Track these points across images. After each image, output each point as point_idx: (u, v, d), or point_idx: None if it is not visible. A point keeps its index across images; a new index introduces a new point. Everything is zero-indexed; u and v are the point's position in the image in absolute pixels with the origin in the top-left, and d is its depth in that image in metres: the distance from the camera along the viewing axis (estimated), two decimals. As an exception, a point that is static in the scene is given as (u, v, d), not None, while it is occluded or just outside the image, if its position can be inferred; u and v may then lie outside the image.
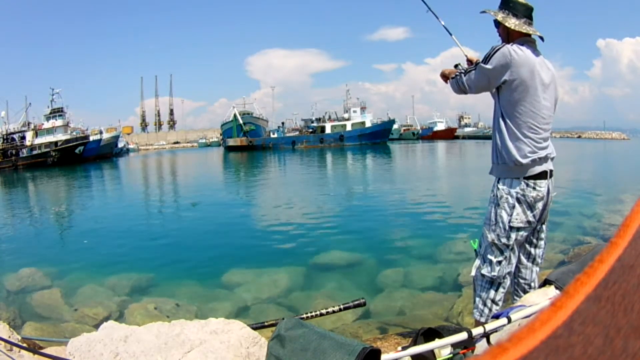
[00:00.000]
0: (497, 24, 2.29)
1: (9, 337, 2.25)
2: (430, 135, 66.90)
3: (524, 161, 2.16)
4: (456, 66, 2.53)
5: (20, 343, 2.26)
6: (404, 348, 1.83)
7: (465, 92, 2.36)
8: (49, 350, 2.22)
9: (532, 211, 2.21)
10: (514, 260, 2.31)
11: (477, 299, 2.36)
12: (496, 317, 1.85)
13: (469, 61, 2.58)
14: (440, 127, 70.95)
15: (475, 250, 2.57)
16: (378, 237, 6.77)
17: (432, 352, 1.73)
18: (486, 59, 2.18)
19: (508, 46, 2.14)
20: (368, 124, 56.44)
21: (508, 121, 2.20)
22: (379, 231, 7.22)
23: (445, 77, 2.50)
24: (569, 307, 0.25)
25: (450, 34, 2.83)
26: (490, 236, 2.27)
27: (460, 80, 2.33)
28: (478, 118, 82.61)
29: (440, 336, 1.90)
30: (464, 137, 64.65)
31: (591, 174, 15.68)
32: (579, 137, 65.40)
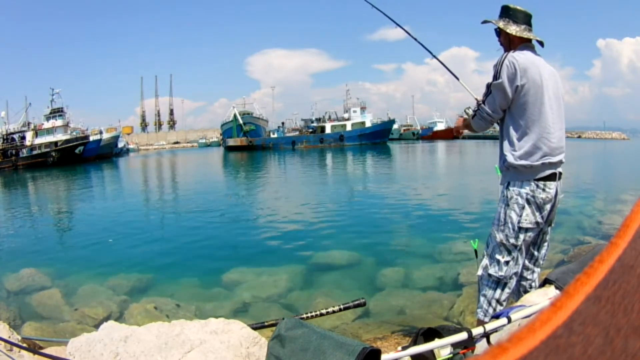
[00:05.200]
0: (498, 32, 2.33)
1: (9, 337, 2.25)
2: (430, 135, 66.84)
3: (535, 164, 2.17)
4: (466, 112, 2.54)
5: (20, 343, 2.26)
6: (404, 348, 1.83)
7: (492, 121, 2.31)
8: (49, 350, 2.22)
9: (540, 212, 2.23)
10: (520, 261, 2.32)
11: (482, 299, 2.36)
12: (496, 317, 1.85)
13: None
14: (440, 127, 70.84)
15: (475, 250, 2.57)
16: (378, 237, 6.77)
17: (432, 352, 1.73)
18: (495, 76, 2.19)
19: (510, 54, 2.17)
20: (368, 124, 56.43)
21: (521, 123, 2.20)
22: (379, 231, 7.22)
23: (462, 127, 2.53)
24: (569, 307, 0.25)
25: (457, 79, 2.92)
26: (499, 236, 2.28)
27: (482, 111, 2.30)
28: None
29: (440, 336, 1.90)
30: (464, 137, 64.58)
31: (591, 174, 15.68)
32: (579, 137, 65.37)
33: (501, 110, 2.26)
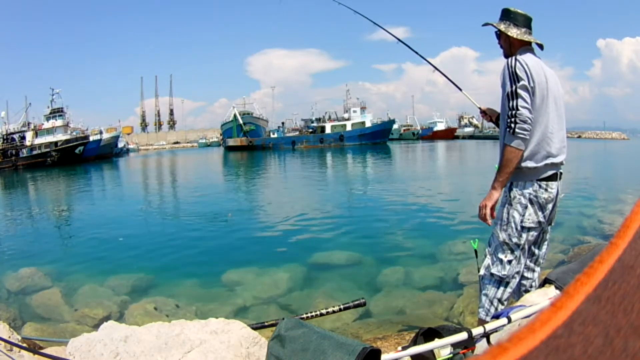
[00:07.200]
0: (498, 35, 2.34)
1: (9, 337, 2.25)
2: (430, 135, 66.86)
3: (538, 165, 2.18)
4: (470, 122, 2.43)
5: (20, 343, 2.26)
6: (404, 348, 1.83)
7: (530, 124, 2.15)
8: (49, 351, 2.22)
9: (543, 212, 2.24)
10: (523, 260, 2.33)
11: (484, 298, 2.37)
12: (496, 317, 1.85)
13: (483, 112, 2.64)
14: (440, 127, 70.87)
15: (475, 250, 2.58)
16: (378, 237, 6.77)
17: (432, 352, 1.73)
18: (514, 80, 2.14)
19: (518, 57, 2.16)
20: (368, 124, 56.43)
21: None
22: (379, 231, 7.22)
23: (501, 183, 2.21)
24: (569, 307, 0.25)
25: (460, 89, 2.94)
26: (502, 235, 2.29)
27: (522, 117, 2.11)
28: (479, 118, 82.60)
29: (440, 336, 1.90)
30: (463, 137, 64.62)
31: (591, 174, 15.68)
32: (579, 137, 65.29)
33: (532, 108, 2.14)
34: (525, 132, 2.13)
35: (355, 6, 3.74)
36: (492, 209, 2.23)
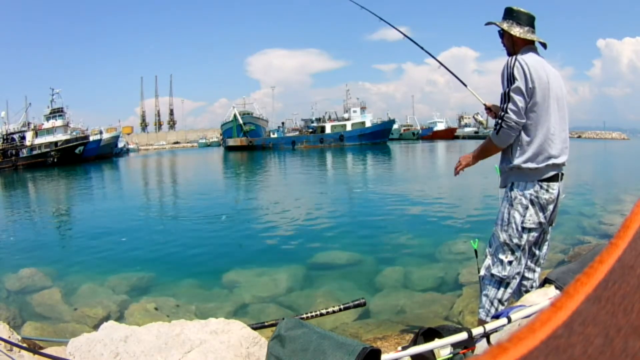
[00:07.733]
0: (502, 34, 2.33)
1: (9, 337, 2.25)
2: (430, 135, 66.86)
3: (540, 166, 2.18)
4: (475, 118, 2.50)
5: (20, 343, 2.26)
6: (404, 348, 1.83)
7: (519, 129, 2.18)
8: (49, 350, 2.22)
9: (543, 213, 2.24)
10: (523, 261, 2.32)
11: (484, 299, 2.36)
12: (496, 317, 1.85)
13: (488, 109, 2.61)
14: (440, 127, 70.86)
15: (475, 250, 2.58)
16: (378, 237, 6.76)
17: (432, 352, 1.73)
18: (510, 80, 2.14)
19: (518, 57, 2.16)
20: (368, 124, 56.42)
21: (528, 125, 2.18)
22: (379, 231, 7.22)
23: (474, 159, 2.43)
24: (569, 308, 0.25)
25: (465, 85, 2.98)
26: (503, 236, 2.28)
27: (509, 121, 2.15)
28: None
29: (440, 336, 1.90)
30: (464, 137, 64.58)
31: (591, 173, 15.67)
32: (579, 137, 65.24)
33: (524, 113, 2.16)
34: (508, 138, 2.20)
35: (357, 6, 3.71)
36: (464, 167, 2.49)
